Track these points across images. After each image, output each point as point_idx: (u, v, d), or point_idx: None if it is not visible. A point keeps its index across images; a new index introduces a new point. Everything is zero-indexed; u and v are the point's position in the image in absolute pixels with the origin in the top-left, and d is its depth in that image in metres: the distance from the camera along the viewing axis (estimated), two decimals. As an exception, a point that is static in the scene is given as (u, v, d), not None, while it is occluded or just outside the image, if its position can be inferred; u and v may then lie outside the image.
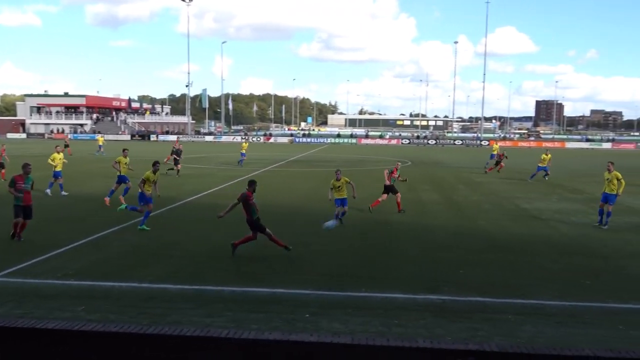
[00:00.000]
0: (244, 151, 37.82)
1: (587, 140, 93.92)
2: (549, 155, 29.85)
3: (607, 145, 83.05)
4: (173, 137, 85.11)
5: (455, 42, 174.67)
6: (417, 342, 4.07)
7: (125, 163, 20.04)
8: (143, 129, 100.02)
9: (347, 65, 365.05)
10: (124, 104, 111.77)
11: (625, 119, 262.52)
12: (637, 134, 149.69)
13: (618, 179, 16.04)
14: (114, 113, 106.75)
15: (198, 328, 2.07)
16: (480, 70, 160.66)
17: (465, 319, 8.45)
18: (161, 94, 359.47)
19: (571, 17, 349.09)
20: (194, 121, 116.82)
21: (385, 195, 18.32)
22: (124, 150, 20.79)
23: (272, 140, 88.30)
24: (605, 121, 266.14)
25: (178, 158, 30.21)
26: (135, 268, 11.11)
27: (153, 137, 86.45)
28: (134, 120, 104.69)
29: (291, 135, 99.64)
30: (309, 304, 9.01)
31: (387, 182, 18.47)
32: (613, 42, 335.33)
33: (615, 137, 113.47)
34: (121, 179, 19.55)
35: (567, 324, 8.33)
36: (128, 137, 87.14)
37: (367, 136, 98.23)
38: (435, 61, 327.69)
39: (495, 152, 36.98)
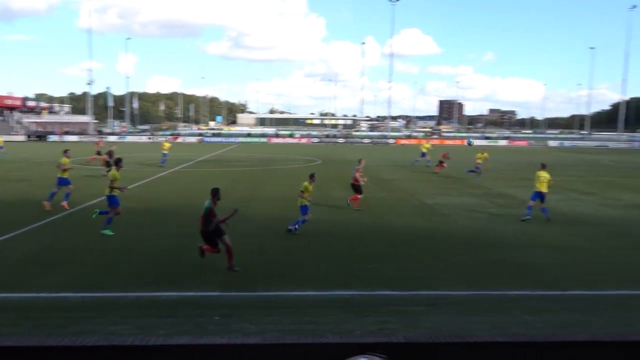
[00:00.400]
0: (165, 151, 36.55)
1: (486, 137, 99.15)
2: (485, 154, 31.46)
3: (503, 143, 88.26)
4: (74, 138, 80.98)
5: (363, 43, 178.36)
6: (327, 337, 4.12)
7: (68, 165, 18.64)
8: (40, 129, 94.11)
9: (258, 64, 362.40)
10: (18, 103, 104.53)
11: (518, 117, 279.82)
12: (529, 131, 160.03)
13: (548, 180, 17.47)
14: (6, 112, 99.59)
15: (101, 337, 1.96)
16: (387, 70, 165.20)
17: (373, 312, 8.68)
18: (60, 92, 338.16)
19: (471, 21, 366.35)
20: (96, 120, 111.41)
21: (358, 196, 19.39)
22: (65, 151, 19.09)
23: (180, 139, 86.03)
24: (501, 120, 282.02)
25: (110, 160, 29.03)
26: (33, 277, 10.45)
27: (54, 138, 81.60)
28: (29, 120, 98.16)
29: (200, 134, 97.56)
30: (219, 306, 8.89)
31: (354, 181, 19.61)
32: (509, 46, 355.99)
33: (510, 134, 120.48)
34: (62, 182, 18.18)
35: (469, 312, 8.78)
36: (23, 138, 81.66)
37: (277, 135, 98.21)
38: (345, 61, 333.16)
39: (425, 151, 38.15)
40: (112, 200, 14.40)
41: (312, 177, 15.16)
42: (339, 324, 8.08)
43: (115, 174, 14.64)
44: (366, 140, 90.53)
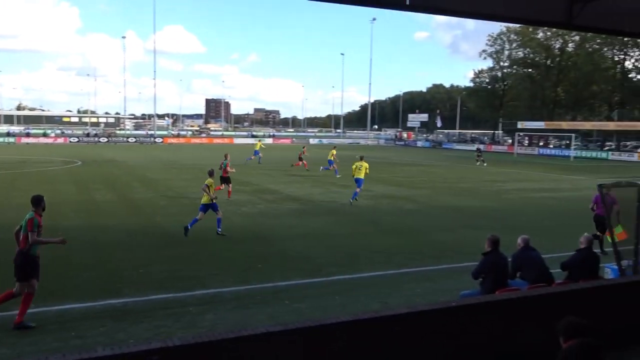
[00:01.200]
0: None
1: (253, 136, 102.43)
2: (334, 151, 33.15)
3: (269, 141, 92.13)
4: None
5: (123, 37, 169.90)
6: (96, 351, 3.85)
7: None
8: None
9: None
10: None
11: (282, 117, 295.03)
12: (292, 130, 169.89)
13: (365, 168, 21.33)
14: None
15: None
16: (151, 66, 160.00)
17: (148, 318, 8.36)
18: None
19: (234, 22, 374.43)
20: None
21: (222, 186, 21.42)
22: None
23: None
24: (266, 119, 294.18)
25: None
26: None
27: None
28: None
29: None
30: (-37, 332, 7.66)
31: (224, 174, 21.77)
32: (270, 48, 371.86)
33: (275, 133, 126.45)
34: None
35: (244, 307, 8.99)
36: None
37: (28, 135, 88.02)
38: (104, 55, 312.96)
39: (258, 149, 40.48)
40: None
41: (211, 173, 15.58)
42: (111, 335, 7.59)
43: None
44: (132, 140, 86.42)
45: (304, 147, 39.97)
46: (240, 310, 8.81)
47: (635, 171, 41.24)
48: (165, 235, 14.65)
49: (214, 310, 8.76)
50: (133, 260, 11.81)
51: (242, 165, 36.51)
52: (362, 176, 21.11)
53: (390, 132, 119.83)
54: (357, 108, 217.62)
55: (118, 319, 8.31)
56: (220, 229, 14.48)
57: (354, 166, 21.62)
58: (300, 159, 35.86)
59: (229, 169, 22.23)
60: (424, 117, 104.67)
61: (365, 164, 21.47)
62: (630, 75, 72.34)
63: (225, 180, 22.01)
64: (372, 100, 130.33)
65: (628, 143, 70.08)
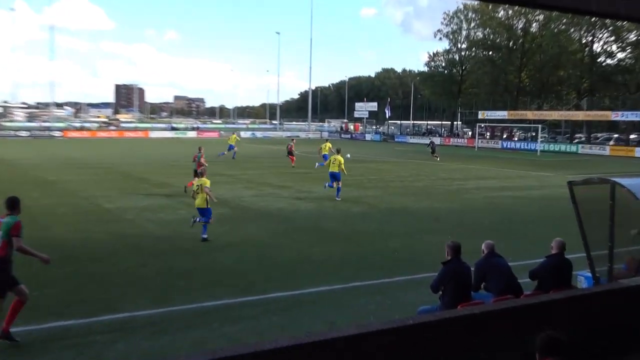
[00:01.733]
0: None
1: (173, 129, 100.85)
2: (329, 144, 33.77)
3: (192, 134, 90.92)
4: None
5: (12, 9, 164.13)
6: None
7: None
8: None
9: None
10: None
11: (207, 106, 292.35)
12: (220, 121, 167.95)
13: (340, 162, 23.16)
14: None
15: None
16: (47, 45, 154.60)
17: (43, 350, 8.06)
18: None
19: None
20: None
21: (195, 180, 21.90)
22: None
23: None
24: (189, 108, 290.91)
25: None
26: None
27: None
28: None
29: None
30: None
31: (197, 167, 22.57)
32: (191, 24, 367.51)
33: (199, 125, 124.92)
34: None
35: (164, 332, 8.78)
36: None
37: None
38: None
39: (232, 143, 42.75)
40: None
41: (202, 174, 16.57)
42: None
43: None
44: (24, 133, 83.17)
45: (293, 140, 41.02)
46: (158, 337, 8.60)
47: (608, 166, 43.19)
48: (65, 248, 14.12)
49: (126, 339, 8.51)
50: (24, 282, 11.30)
51: (213, 162, 36.59)
52: (337, 170, 23.08)
53: (334, 124, 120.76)
54: (296, 96, 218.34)
55: (6, 354, 7.94)
56: (193, 221, 15.55)
57: (330, 159, 24.17)
58: (290, 153, 37.57)
59: (202, 160, 24.18)
60: (373, 106, 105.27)
61: (340, 158, 23.55)
62: (599, 60, 75.09)
63: (197, 174, 22.53)
64: (313, 87, 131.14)
65: (599, 135, 73.22)
